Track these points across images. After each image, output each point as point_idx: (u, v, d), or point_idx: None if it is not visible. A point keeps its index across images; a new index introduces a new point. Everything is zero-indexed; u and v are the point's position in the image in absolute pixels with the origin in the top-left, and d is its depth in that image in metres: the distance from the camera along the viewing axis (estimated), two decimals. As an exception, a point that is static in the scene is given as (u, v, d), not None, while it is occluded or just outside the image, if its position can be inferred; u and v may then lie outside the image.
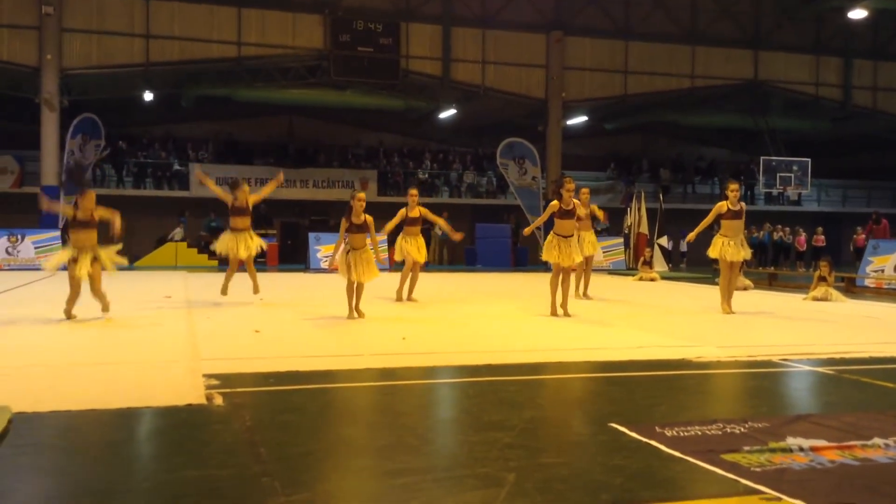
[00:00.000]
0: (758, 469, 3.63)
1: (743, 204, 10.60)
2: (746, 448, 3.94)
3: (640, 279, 17.99)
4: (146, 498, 3.32)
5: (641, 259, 19.64)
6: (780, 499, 3.25)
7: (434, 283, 15.02)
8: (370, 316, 9.44)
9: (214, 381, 5.41)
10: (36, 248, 18.75)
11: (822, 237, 26.51)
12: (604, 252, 20.98)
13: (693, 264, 25.07)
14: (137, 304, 10.33)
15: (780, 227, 26.31)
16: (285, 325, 8.86)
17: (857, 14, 23.25)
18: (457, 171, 29.43)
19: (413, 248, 11.43)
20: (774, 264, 25.16)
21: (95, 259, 8.59)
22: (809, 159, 26.23)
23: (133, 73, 21.88)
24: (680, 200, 30.09)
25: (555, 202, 9.80)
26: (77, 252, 8.53)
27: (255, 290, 10.98)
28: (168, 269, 19.84)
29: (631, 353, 7.06)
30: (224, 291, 10.92)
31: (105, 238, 8.90)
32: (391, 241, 12.10)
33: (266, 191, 11.33)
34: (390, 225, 11.07)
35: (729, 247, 10.42)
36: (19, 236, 18.84)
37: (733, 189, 10.48)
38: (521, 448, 3.99)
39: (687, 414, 4.85)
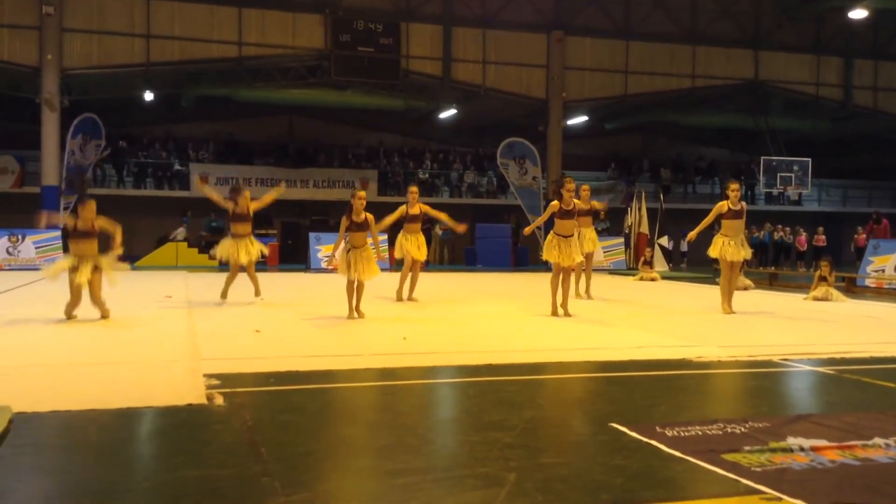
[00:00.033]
0: (758, 469, 3.63)
1: (744, 204, 10.60)
2: (747, 448, 3.94)
3: (641, 279, 17.98)
4: (146, 498, 3.32)
5: (642, 259, 19.63)
6: (780, 499, 3.25)
7: (434, 283, 15.02)
8: (370, 316, 9.43)
9: (215, 381, 5.40)
10: (37, 248, 18.75)
11: (823, 237, 26.51)
12: (604, 252, 20.98)
13: (693, 264, 25.06)
14: (138, 304, 10.33)
15: (780, 226, 26.31)
16: (286, 325, 8.86)
17: (858, 14, 23.24)
18: (457, 171, 29.43)
19: (413, 246, 11.42)
20: (775, 264, 25.16)
21: (96, 268, 8.61)
22: (810, 159, 26.23)
23: (133, 73, 21.88)
24: (680, 200, 30.08)
25: (555, 202, 9.80)
26: (77, 261, 8.56)
27: (257, 293, 10.98)
28: (168, 269, 19.83)
29: (631, 352, 7.05)
30: (223, 296, 10.91)
31: (106, 247, 8.91)
32: (391, 239, 12.08)
33: (267, 199, 11.40)
34: (389, 220, 11.07)
35: (729, 247, 10.42)
36: (20, 236, 18.84)
37: (734, 189, 10.48)
38: (521, 448, 3.99)
39: (687, 414, 4.85)
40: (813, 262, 21.57)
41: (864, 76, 27.14)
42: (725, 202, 10.46)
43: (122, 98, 23.93)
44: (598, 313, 10.43)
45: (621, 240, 23.18)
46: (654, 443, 4.05)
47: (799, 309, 11.60)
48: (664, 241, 23.62)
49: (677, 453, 3.86)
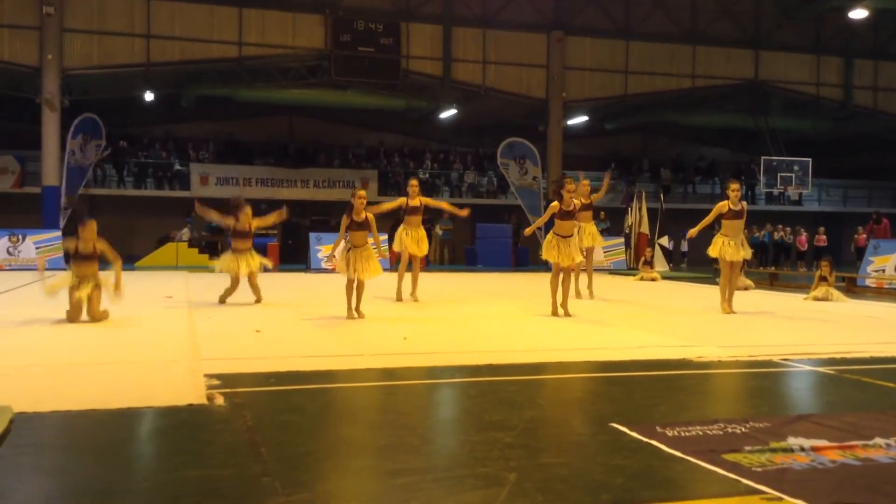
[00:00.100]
0: (759, 469, 3.63)
1: (744, 203, 10.61)
2: (747, 448, 3.94)
3: (641, 279, 17.99)
4: (146, 498, 3.32)
5: (642, 259, 19.64)
6: (781, 499, 3.25)
7: (435, 283, 15.02)
8: (370, 316, 9.43)
9: (215, 381, 5.40)
10: (37, 248, 18.74)
11: (824, 237, 26.51)
12: (605, 252, 20.97)
13: (694, 264, 25.07)
14: (138, 304, 10.32)
15: (780, 226, 26.31)
16: (286, 325, 8.85)
17: (858, 14, 23.24)
18: (457, 171, 29.43)
19: (412, 241, 11.37)
20: (775, 264, 25.16)
21: (97, 286, 8.62)
22: (810, 159, 26.23)
23: (134, 74, 21.89)
24: (680, 200, 30.08)
25: (555, 203, 9.79)
26: (78, 280, 8.57)
27: (258, 300, 10.95)
28: (169, 269, 19.83)
29: (631, 352, 7.05)
30: (222, 301, 10.89)
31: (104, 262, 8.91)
32: (392, 237, 12.05)
33: (269, 220, 11.54)
34: (386, 206, 11.05)
35: (729, 247, 10.42)
36: (20, 236, 18.84)
37: (734, 189, 10.49)
38: (521, 448, 3.99)
39: (688, 414, 4.85)
40: (814, 262, 21.57)
41: (865, 76, 27.14)
42: (726, 202, 10.46)
43: (122, 98, 23.93)
44: (598, 313, 10.43)
45: (621, 240, 23.17)
46: (654, 443, 4.05)
47: (799, 309, 11.60)
48: (664, 241, 23.62)
49: (678, 453, 3.86)
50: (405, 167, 28.81)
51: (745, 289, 14.69)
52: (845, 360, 6.87)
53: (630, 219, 23.59)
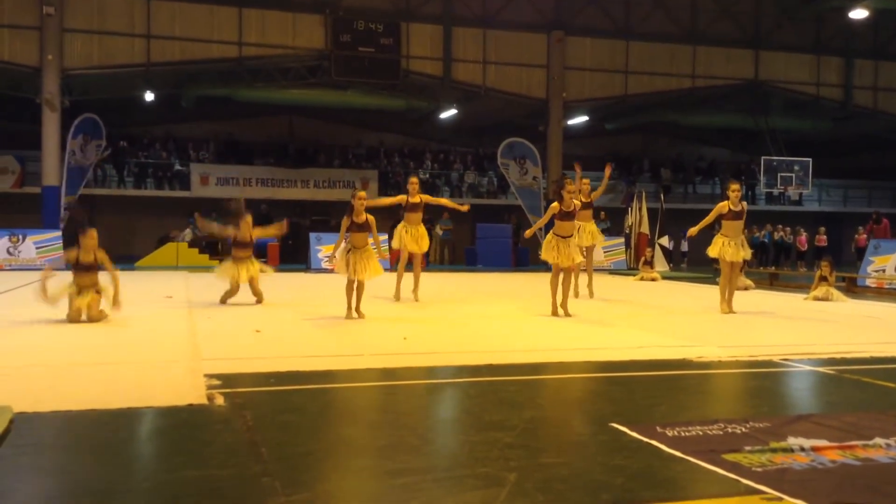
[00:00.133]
0: (759, 469, 3.63)
1: (744, 204, 10.61)
2: (748, 448, 3.94)
3: (641, 279, 17.99)
4: (146, 498, 3.32)
5: (642, 259, 19.64)
6: (781, 499, 3.25)
7: (435, 283, 15.02)
8: (370, 316, 9.43)
9: (215, 381, 5.40)
10: (37, 248, 18.75)
11: (825, 237, 26.51)
12: (605, 252, 20.98)
13: (694, 264, 25.07)
14: (138, 304, 10.32)
15: (780, 226, 26.31)
16: (286, 325, 8.86)
17: (858, 14, 23.24)
18: (457, 171, 29.42)
19: (411, 238, 11.36)
20: (775, 264, 25.16)
21: (97, 293, 8.66)
22: (810, 159, 26.23)
23: (134, 74, 21.89)
24: (681, 200, 30.08)
25: (555, 204, 9.79)
26: (79, 290, 8.60)
27: (259, 301, 10.96)
28: (169, 269, 19.83)
29: (632, 353, 7.05)
30: (223, 302, 10.89)
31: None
32: (391, 236, 12.05)
33: (270, 232, 11.65)
34: (385, 200, 11.05)
35: (729, 247, 10.43)
36: (20, 236, 18.85)
37: (734, 189, 10.49)
38: (521, 448, 3.99)
39: (688, 414, 4.85)
40: (814, 262, 21.57)
41: (865, 76, 27.14)
42: (726, 202, 10.46)
43: (122, 98, 23.93)
44: (598, 313, 10.43)
45: (622, 240, 23.18)
46: (654, 443, 4.05)
47: (799, 309, 11.60)
48: (664, 241, 23.61)
49: (678, 453, 3.86)
50: (405, 167, 28.80)
51: (746, 289, 14.68)
52: (845, 360, 6.87)
53: (630, 219, 23.59)
